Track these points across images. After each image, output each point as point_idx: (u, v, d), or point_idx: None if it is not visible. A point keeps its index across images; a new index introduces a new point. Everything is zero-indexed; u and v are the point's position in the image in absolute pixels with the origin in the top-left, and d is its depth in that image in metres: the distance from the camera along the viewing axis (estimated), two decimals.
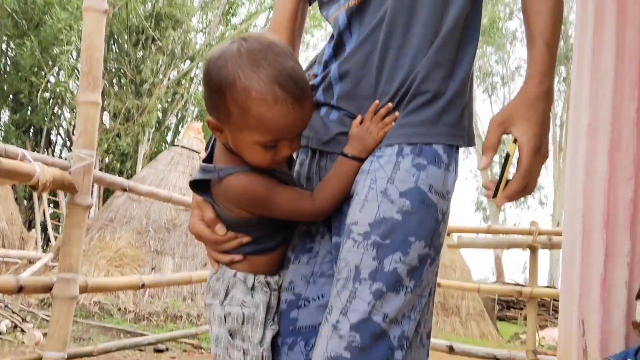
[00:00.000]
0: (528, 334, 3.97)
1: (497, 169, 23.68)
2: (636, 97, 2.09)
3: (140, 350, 5.22)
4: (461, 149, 1.07)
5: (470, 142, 1.07)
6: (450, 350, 4.08)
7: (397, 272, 0.93)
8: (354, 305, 0.92)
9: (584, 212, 2.09)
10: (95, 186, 14.67)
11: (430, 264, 0.97)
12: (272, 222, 1.04)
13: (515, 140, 1.01)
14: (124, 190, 2.65)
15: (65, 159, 2.52)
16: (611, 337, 1.98)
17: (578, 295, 2.05)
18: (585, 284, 2.04)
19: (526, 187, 1.00)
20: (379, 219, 0.95)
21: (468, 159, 24.99)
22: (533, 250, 4.00)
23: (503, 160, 1.01)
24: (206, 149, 1.06)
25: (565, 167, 2.33)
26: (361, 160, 1.02)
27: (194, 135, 9.94)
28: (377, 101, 1.03)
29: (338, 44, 1.10)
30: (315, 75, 1.12)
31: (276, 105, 0.91)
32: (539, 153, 1.00)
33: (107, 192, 14.55)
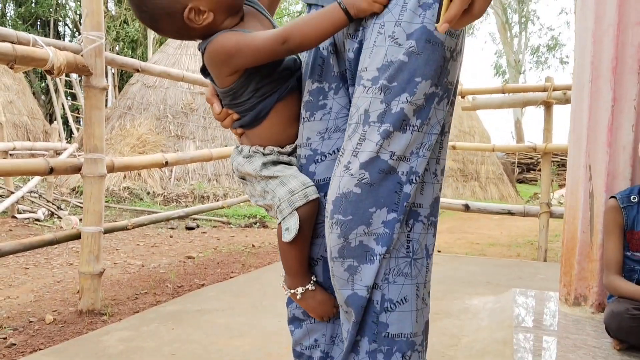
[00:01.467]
0: (542, 188, 4.08)
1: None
2: None
3: (172, 229, 5.51)
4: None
5: None
6: (466, 208, 4.24)
7: (404, 112, 0.95)
8: (364, 146, 0.96)
9: (593, 58, 2.09)
10: (110, 75, 14.62)
11: (438, 102, 0.99)
12: (256, 84, 1.08)
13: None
14: (137, 70, 2.68)
15: (76, 42, 2.50)
16: (616, 179, 2.06)
17: (586, 141, 2.10)
18: (592, 130, 2.09)
19: (470, 11, 0.90)
20: (386, 63, 0.96)
21: (486, 21, 24.16)
22: (548, 106, 4.01)
23: None
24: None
25: (576, 14, 2.29)
26: (349, 17, 1.01)
27: None
28: None
29: None
30: None
31: None
32: None
33: (122, 81, 14.51)
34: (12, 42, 2.09)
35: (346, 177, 0.97)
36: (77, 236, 2.44)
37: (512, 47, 22.49)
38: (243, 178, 1.15)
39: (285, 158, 1.13)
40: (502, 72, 23.62)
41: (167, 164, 2.85)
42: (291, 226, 1.05)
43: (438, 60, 0.97)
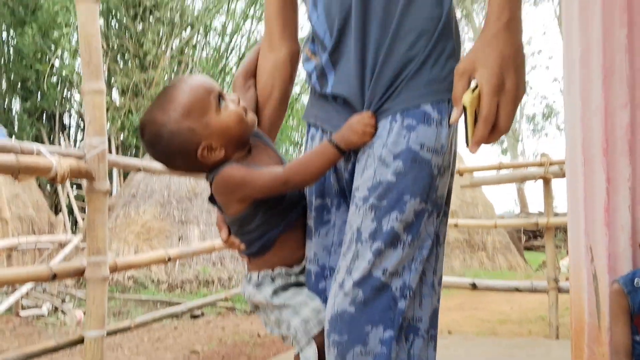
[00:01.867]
0: (548, 263, 4.05)
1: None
2: (626, 23, 2.09)
3: (176, 317, 5.43)
4: None
5: None
6: (474, 287, 4.19)
7: (394, 230, 0.98)
8: (357, 264, 0.98)
9: (583, 141, 2.13)
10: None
11: (428, 217, 1.02)
12: (263, 215, 1.12)
13: (475, 88, 0.96)
14: (139, 169, 2.74)
15: (79, 148, 2.59)
16: (618, 260, 2.05)
17: (584, 223, 2.11)
18: (589, 211, 2.10)
19: (496, 129, 0.96)
20: (376, 183, 1.01)
21: None
22: (546, 181, 4.05)
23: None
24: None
25: (564, 96, 2.35)
26: (341, 151, 1.06)
27: None
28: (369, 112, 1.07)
29: (318, 30, 1.14)
30: (314, 53, 1.16)
31: (180, 88, 1.12)
32: (502, 91, 0.96)
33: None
34: (16, 153, 2.15)
35: (340, 296, 0.98)
36: (79, 341, 2.42)
37: None
38: (257, 307, 1.16)
39: (293, 278, 1.14)
40: (500, 141, 23.93)
41: (169, 259, 2.85)
42: (310, 356, 1.05)
43: (425, 178, 1.01)
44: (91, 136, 2.36)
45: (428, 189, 1.01)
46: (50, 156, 2.15)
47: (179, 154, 1.11)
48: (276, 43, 1.25)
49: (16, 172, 2.02)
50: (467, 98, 0.94)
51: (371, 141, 1.05)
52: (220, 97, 1.12)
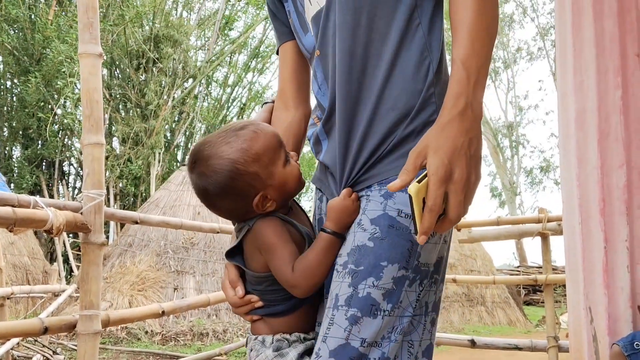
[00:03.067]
0: (547, 321, 4.00)
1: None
2: (620, 85, 2.13)
3: None
4: None
5: None
6: (473, 344, 4.12)
7: (371, 296, 0.96)
8: (332, 332, 0.96)
9: (580, 201, 2.14)
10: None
11: (410, 285, 0.99)
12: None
13: (421, 179, 0.94)
14: (136, 222, 2.73)
15: (75, 199, 2.60)
16: (618, 321, 2.03)
17: (582, 283, 2.09)
18: (588, 272, 2.09)
19: (446, 218, 0.93)
20: (354, 247, 1.00)
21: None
22: (544, 237, 4.03)
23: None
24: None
25: (560, 157, 2.37)
26: (339, 236, 1.06)
27: None
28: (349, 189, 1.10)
29: (319, 98, 1.19)
30: (319, 119, 1.20)
31: (258, 135, 1.10)
32: (450, 181, 0.92)
33: None
34: (12, 206, 2.15)
35: None
36: None
37: (506, 170, 23.03)
38: None
39: (309, 344, 1.10)
40: (498, 194, 23.98)
41: (163, 313, 2.81)
42: None
43: (404, 244, 0.99)
44: (89, 188, 2.36)
45: (408, 255, 0.99)
46: (47, 208, 2.15)
47: (234, 194, 1.08)
48: (290, 104, 1.29)
49: (12, 224, 2.01)
50: (413, 188, 0.91)
51: None
52: (286, 151, 1.14)
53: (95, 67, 2.37)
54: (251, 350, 1.12)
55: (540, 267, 12.55)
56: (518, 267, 16.40)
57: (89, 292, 2.33)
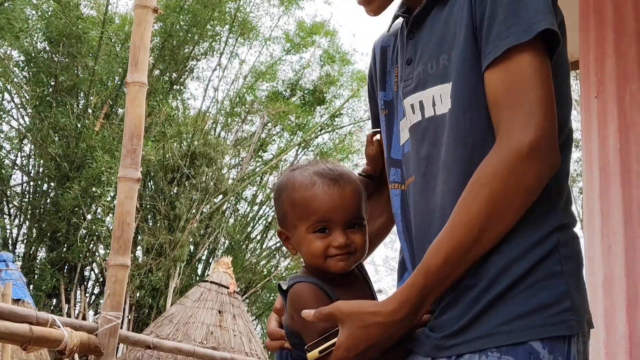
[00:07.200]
0: None
1: None
2: None
3: None
4: None
5: (586, 324, 0.90)
6: None
7: None
8: None
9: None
10: (125, 322, 14.59)
11: None
12: None
13: (330, 347, 0.92)
14: (149, 347, 2.70)
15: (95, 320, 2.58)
16: None
17: None
18: None
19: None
20: None
21: None
22: None
23: None
24: None
25: None
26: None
27: (223, 270, 9.98)
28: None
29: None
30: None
31: (314, 186, 1.03)
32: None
33: (137, 329, 14.43)
34: (30, 323, 2.16)
35: None
36: None
37: None
38: None
39: None
40: None
41: None
42: None
43: None
44: (108, 310, 2.37)
45: None
46: (63, 328, 2.15)
47: (276, 206, 1.11)
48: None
49: (27, 342, 2.01)
50: (314, 353, 0.92)
51: None
52: (330, 226, 1.02)
53: (132, 190, 2.46)
54: None
55: None
56: None
57: None
